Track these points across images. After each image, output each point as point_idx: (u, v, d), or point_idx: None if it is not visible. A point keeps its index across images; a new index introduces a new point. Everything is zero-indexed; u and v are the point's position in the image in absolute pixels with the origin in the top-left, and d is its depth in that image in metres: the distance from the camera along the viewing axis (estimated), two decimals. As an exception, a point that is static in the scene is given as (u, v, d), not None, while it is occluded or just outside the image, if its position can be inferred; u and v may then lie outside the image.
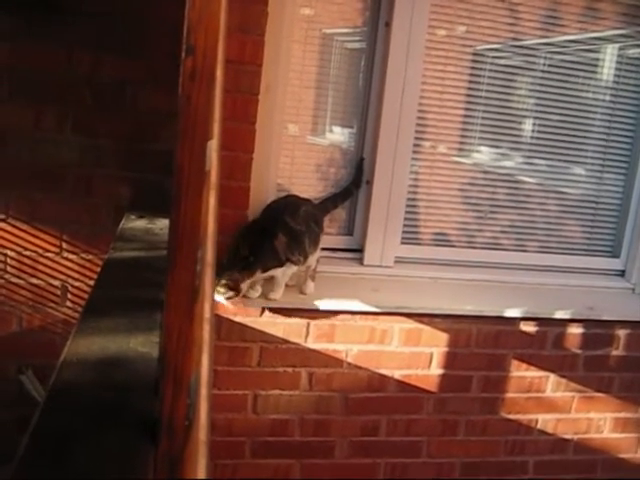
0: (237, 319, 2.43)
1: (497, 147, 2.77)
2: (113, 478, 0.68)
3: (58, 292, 2.35)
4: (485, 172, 2.78)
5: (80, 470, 0.68)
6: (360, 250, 2.67)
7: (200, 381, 0.81)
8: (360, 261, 2.65)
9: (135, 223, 1.76)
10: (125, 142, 2.27)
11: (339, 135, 2.67)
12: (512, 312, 2.58)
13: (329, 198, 2.54)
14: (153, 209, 2.06)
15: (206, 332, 0.81)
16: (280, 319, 2.44)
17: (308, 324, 2.46)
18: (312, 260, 2.36)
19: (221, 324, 2.42)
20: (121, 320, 1.08)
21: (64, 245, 2.31)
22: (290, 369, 2.50)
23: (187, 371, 0.73)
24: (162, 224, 1.73)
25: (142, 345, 0.98)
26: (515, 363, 2.69)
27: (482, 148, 2.77)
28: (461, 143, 2.75)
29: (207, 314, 0.81)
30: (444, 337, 2.58)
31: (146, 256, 1.45)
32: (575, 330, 2.71)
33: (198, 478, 0.77)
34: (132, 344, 0.99)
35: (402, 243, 2.69)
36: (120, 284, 1.25)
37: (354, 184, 2.58)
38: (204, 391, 0.82)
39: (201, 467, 0.78)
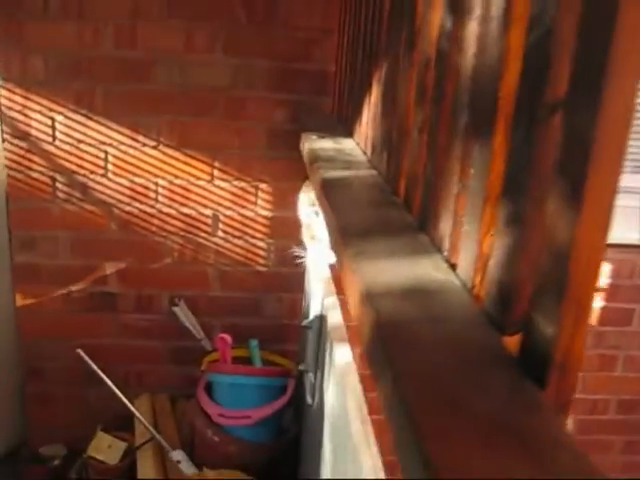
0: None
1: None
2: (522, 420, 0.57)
3: (209, 221, 2.27)
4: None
5: (482, 412, 0.58)
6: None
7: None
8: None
9: (321, 144, 1.64)
10: (278, 62, 2.13)
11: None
12: (681, 241, 2.39)
13: None
14: (315, 130, 1.93)
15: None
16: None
17: None
18: None
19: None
20: (389, 244, 0.97)
21: (215, 172, 2.22)
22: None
23: (589, 304, 0.61)
24: (347, 144, 1.61)
25: (435, 270, 0.87)
26: (680, 296, 2.51)
27: None
28: None
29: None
30: (606, 267, 2.42)
31: (357, 176, 1.34)
32: None
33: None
34: (422, 270, 0.87)
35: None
36: (357, 205, 1.14)
37: None
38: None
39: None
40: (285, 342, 2.39)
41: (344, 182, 1.29)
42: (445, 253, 0.94)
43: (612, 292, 2.45)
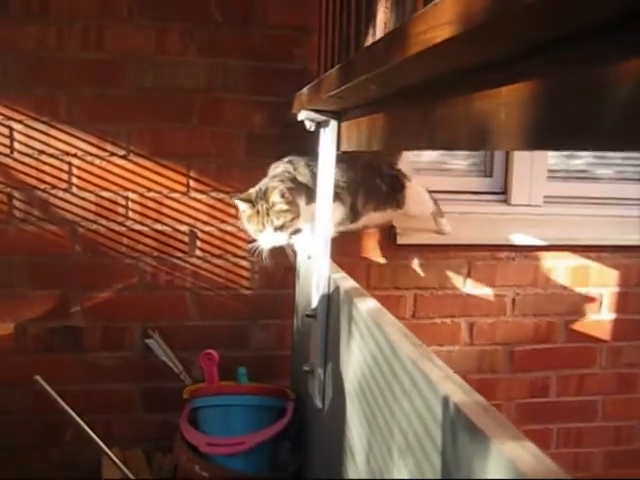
0: (388, 263, 2.12)
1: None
2: None
3: (186, 239, 2.05)
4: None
5: None
6: (502, 192, 2.38)
7: None
8: (506, 202, 2.36)
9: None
10: (256, 62, 2.02)
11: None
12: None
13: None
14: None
15: None
16: (436, 261, 2.14)
17: (467, 265, 2.16)
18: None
19: (370, 269, 2.12)
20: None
21: (191, 183, 2.03)
22: (448, 320, 2.18)
23: None
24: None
25: None
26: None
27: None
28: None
29: None
30: (612, 274, 2.27)
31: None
32: None
33: None
34: None
35: (548, 180, 2.40)
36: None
37: None
38: None
39: None
40: (275, 376, 2.11)
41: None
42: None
43: (622, 302, 2.29)
